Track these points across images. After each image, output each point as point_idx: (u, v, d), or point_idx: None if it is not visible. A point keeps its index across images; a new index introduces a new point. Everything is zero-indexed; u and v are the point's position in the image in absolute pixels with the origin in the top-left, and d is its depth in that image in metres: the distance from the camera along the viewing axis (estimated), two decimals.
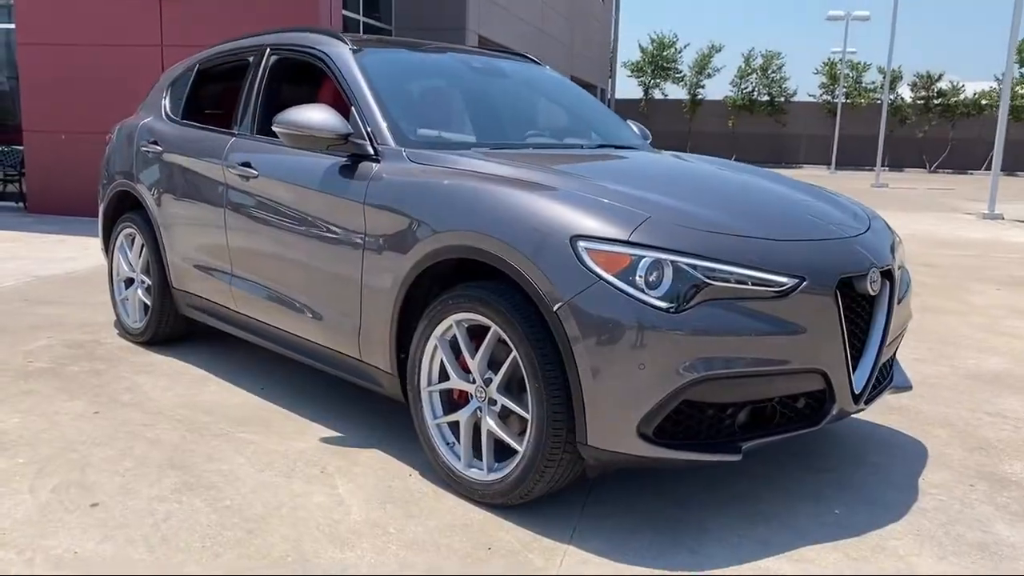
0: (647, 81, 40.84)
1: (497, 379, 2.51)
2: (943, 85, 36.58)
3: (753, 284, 2.30)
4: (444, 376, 2.71)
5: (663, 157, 3.43)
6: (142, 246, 4.28)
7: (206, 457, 2.94)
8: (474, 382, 2.60)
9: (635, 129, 3.99)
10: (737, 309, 2.28)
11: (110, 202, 4.50)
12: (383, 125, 3.02)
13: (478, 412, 2.60)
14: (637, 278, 2.24)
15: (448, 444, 2.70)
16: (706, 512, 2.61)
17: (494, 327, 2.47)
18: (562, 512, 2.58)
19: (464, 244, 2.55)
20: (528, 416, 2.42)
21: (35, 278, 5.99)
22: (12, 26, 10.04)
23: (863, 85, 38.27)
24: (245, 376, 3.86)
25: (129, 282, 4.47)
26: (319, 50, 3.40)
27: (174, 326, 4.25)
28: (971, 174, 34.66)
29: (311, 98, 3.71)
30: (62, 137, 9.80)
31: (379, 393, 3.04)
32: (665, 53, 40.38)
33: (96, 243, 8.18)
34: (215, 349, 4.28)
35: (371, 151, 2.98)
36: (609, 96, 33.61)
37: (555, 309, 2.28)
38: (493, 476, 2.53)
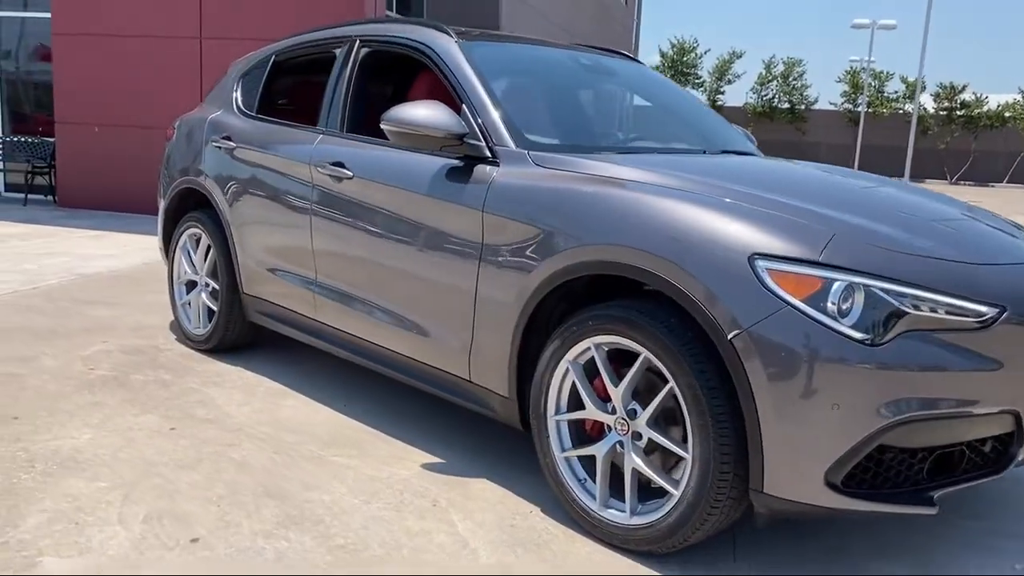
0: None
1: (647, 412, 2.24)
2: (967, 96, 36.21)
3: (954, 314, 2.03)
4: (576, 404, 2.45)
5: (803, 165, 3.16)
6: (208, 247, 4.03)
7: (303, 484, 2.68)
8: (614, 413, 2.33)
9: (742, 132, 3.73)
10: (937, 342, 2.01)
11: (172, 200, 4.25)
12: (500, 125, 2.76)
13: (618, 447, 2.34)
14: (829, 304, 1.98)
15: (579, 480, 2.44)
16: (871, 561, 2.34)
17: (645, 353, 2.21)
18: (712, 559, 2.31)
19: (611, 260, 2.28)
20: (687, 455, 2.15)
21: (78, 276, 5.75)
22: (45, 15, 9.82)
23: (885, 95, 37.93)
24: (323, 390, 3.61)
25: (191, 285, 4.22)
26: (421, 43, 3.14)
27: (241, 333, 4.00)
28: (992, 187, 34.29)
29: (406, 94, 3.46)
30: (95, 130, 9.58)
31: (484, 415, 2.79)
32: (685, 58, 40.13)
33: (135, 240, 8.02)
34: (284, 358, 4.03)
35: (487, 153, 2.73)
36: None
37: (730, 338, 2.02)
38: (639, 520, 2.27)
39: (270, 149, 3.60)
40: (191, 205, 4.22)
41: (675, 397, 2.18)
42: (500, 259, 2.58)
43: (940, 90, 36.51)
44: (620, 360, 2.35)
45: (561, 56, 3.47)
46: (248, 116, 3.90)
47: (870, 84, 36.95)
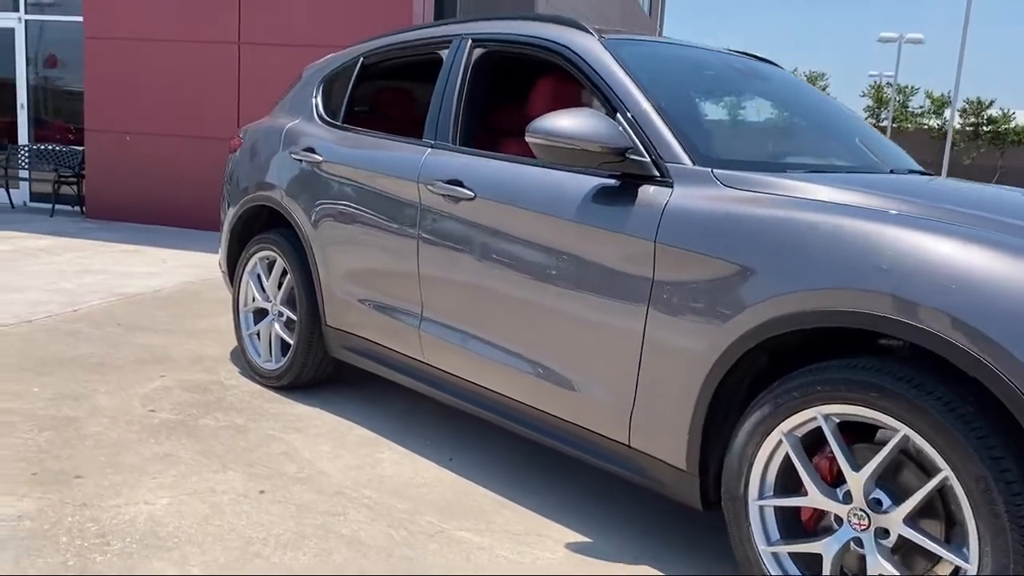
0: None
1: (905, 505, 1.77)
2: (993, 112, 35.68)
3: None
4: (788, 486, 1.98)
5: (1000, 188, 2.68)
6: (284, 272, 3.58)
7: (432, 571, 2.21)
8: (848, 501, 1.86)
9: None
10: None
11: (239, 219, 3.81)
12: (671, 138, 2.30)
13: (854, 545, 1.86)
14: None
15: None
16: None
17: (905, 431, 1.74)
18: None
19: (854, 309, 1.80)
20: (967, 565, 1.68)
21: (120, 297, 5.31)
22: (77, 19, 9.45)
23: (910, 110, 37.44)
24: (420, 438, 3.14)
25: (261, 314, 3.77)
26: (554, 42, 2.69)
27: (319, 370, 3.54)
28: None
29: (528, 101, 3.01)
30: (127, 138, 9.18)
31: (642, 486, 2.32)
32: None
33: (172, 256, 7.54)
34: (366, 397, 3.57)
35: (654, 171, 2.27)
36: None
37: None
38: None
39: (365, 164, 3.14)
40: (263, 224, 3.78)
41: (941, 488, 1.71)
42: (680, 301, 2.12)
43: (967, 105, 35.98)
44: (851, 433, 1.88)
45: (711, 58, 3.01)
46: (333, 126, 3.45)
47: (894, 99, 36.47)
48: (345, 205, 3.21)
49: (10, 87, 10.27)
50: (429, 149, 2.93)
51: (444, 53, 3.08)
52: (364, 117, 3.58)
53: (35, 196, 10.37)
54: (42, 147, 9.96)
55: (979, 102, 35.71)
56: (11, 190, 10.11)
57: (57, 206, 9.67)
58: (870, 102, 37.91)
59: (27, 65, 10.18)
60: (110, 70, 9.12)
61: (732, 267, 2.02)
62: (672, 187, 2.22)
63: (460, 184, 2.72)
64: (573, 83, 3.04)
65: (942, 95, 35.56)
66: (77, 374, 3.69)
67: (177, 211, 9.03)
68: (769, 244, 1.98)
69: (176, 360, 4.01)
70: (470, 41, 3.00)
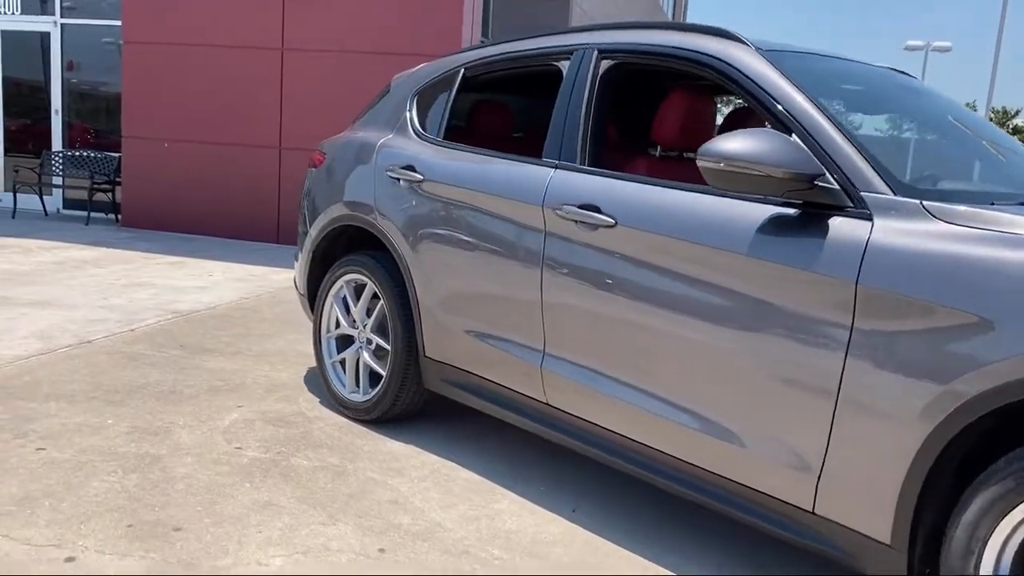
0: None
1: None
2: (1019, 121, 35.25)
3: None
4: None
5: None
6: (374, 297, 3.33)
7: None
8: None
9: None
10: None
11: (323, 239, 3.56)
12: (862, 164, 2.04)
13: None
14: None
15: None
16: None
17: None
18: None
19: None
20: None
21: (175, 315, 5.08)
22: (115, 23, 9.27)
23: None
24: (536, 484, 2.89)
25: (346, 341, 3.52)
26: (707, 55, 2.42)
27: (412, 403, 3.29)
28: None
29: (662, 116, 2.75)
30: (165, 145, 8.98)
31: (817, 552, 2.05)
32: None
33: (218, 269, 7.24)
34: (459, 432, 3.32)
35: (847, 201, 2.01)
36: None
37: None
38: None
39: (475, 184, 2.89)
40: (350, 245, 3.54)
41: None
42: (889, 354, 1.85)
43: (992, 115, 35.52)
44: None
45: (871, 73, 2.74)
46: (433, 142, 3.20)
47: None
48: (451, 228, 2.96)
49: (45, 92, 10.10)
50: (553, 170, 2.67)
51: (565, 65, 2.83)
52: (465, 133, 3.34)
53: (68, 203, 10.19)
54: (76, 153, 9.79)
55: (1005, 112, 35.30)
56: (44, 197, 9.93)
57: (92, 214, 9.48)
58: None
59: (63, 69, 10.00)
60: (148, 75, 8.92)
61: (962, 317, 1.76)
62: (871, 220, 1.96)
63: (597, 210, 2.46)
64: (708, 98, 2.78)
65: (968, 104, 35.14)
66: (150, 404, 3.45)
67: (217, 221, 8.82)
68: (1013, 293, 1.71)
69: (250, 388, 3.76)
70: (596, 52, 2.74)
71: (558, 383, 2.61)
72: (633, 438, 2.43)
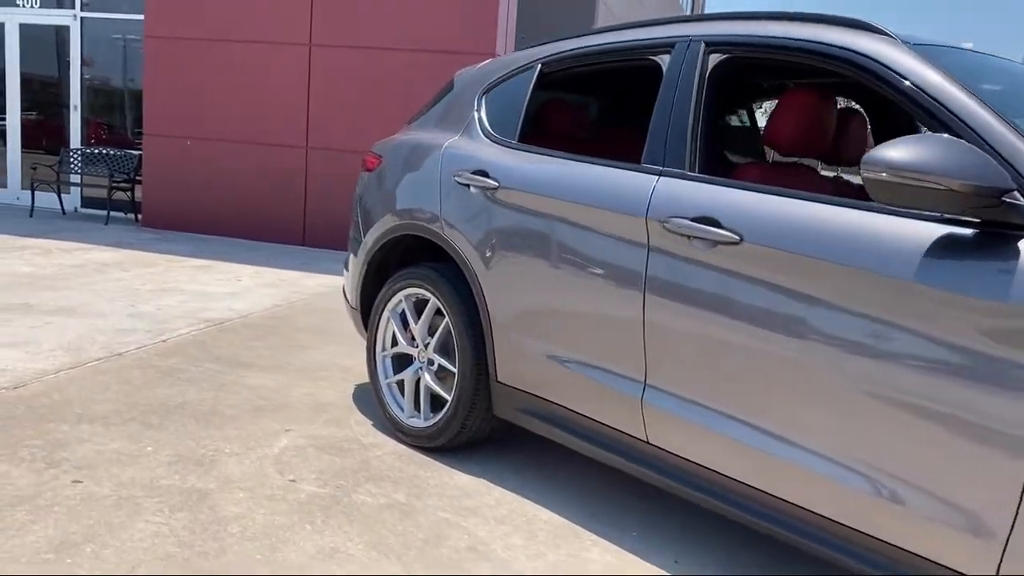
0: None
1: None
2: None
3: None
4: None
5: None
6: (437, 313, 3.05)
7: None
8: None
9: None
10: None
11: (380, 249, 3.28)
12: None
13: None
14: None
15: None
16: None
17: None
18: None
19: None
20: None
21: (207, 323, 4.80)
22: (137, 17, 9.01)
23: None
24: (624, 528, 2.59)
25: (403, 360, 3.23)
26: (846, 49, 2.12)
27: (479, 431, 3.00)
28: None
29: (778, 117, 2.44)
30: (187, 143, 8.72)
31: None
32: None
33: (246, 272, 6.84)
34: (530, 463, 3.03)
35: None
36: None
37: None
38: None
39: (563, 193, 2.59)
40: (407, 256, 3.25)
41: None
42: None
43: None
44: None
45: (1017, 69, 2.44)
46: (508, 145, 2.90)
47: None
48: (532, 241, 2.66)
49: (63, 87, 9.85)
50: (657, 177, 2.38)
51: (664, 60, 2.53)
52: (543, 135, 3.05)
53: (86, 202, 9.94)
54: (95, 151, 9.53)
55: None
56: (62, 195, 9.68)
57: (113, 213, 9.22)
58: None
59: (81, 64, 9.75)
60: (171, 71, 8.66)
61: None
62: None
63: (716, 224, 2.16)
64: (831, 98, 2.48)
65: None
66: (191, 427, 3.17)
67: (241, 222, 8.55)
68: None
69: (296, 408, 3.48)
70: (703, 45, 2.44)
71: (662, 419, 2.32)
72: (754, 485, 2.13)
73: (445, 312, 2.97)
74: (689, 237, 2.22)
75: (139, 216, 9.28)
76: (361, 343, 4.62)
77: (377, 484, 2.79)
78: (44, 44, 9.97)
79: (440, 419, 3.00)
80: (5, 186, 10.24)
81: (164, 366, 3.91)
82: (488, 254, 2.80)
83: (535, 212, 2.67)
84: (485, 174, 2.85)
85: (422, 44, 7.93)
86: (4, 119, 10.12)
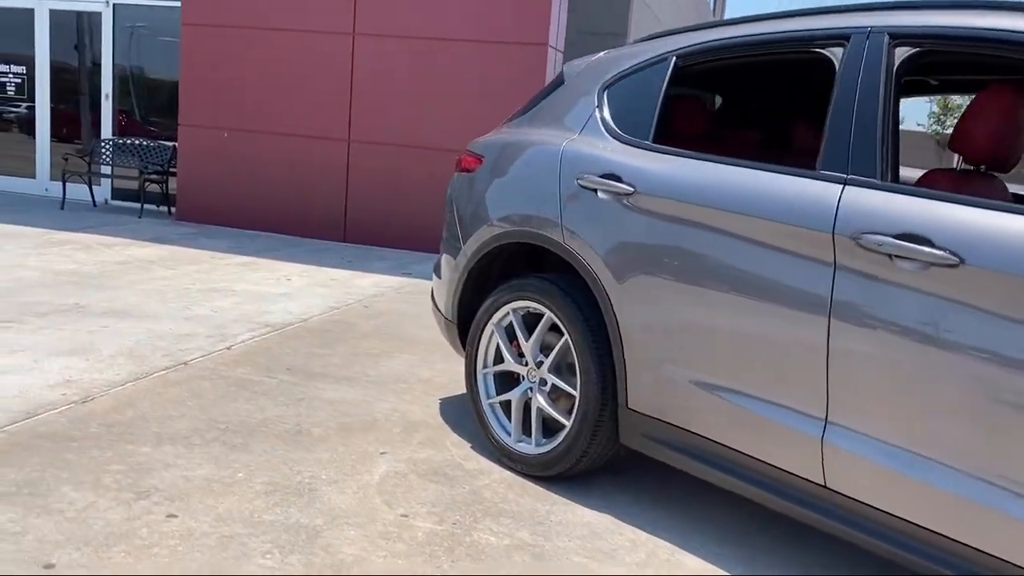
0: None
1: None
2: None
3: None
4: None
5: None
6: (551, 329, 2.78)
7: None
8: None
9: None
10: None
11: (483, 257, 3.01)
12: None
13: None
14: None
15: None
16: None
17: None
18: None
19: None
20: None
21: (268, 328, 4.55)
22: (174, 3, 8.73)
23: None
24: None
25: (507, 379, 2.97)
26: None
27: (600, 459, 2.74)
28: None
29: (989, 122, 2.16)
30: (224, 135, 8.45)
31: None
32: None
33: (295, 271, 6.44)
34: (657, 492, 2.76)
35: None
36: None
37: None
38: None
39: (720, 201, 2.31)
40: (515, 265, 2.99)
41: None
42: None
43: None
44: None
45: None
46: (642, 146, 2.62)
47: (960, 105, 35.06)
48: (678, 254, 2.39)
49: (95, 75, 9.60)
50: (842, 186, 2.10)
51: (837, 53, 2.25)
52: (680, 135, 2.77)
53: (116, 193, 9.70)
54: (128, 141, 9.27)
55: None
56: (93, 187, 9.45)
57: (147, 206, 8.97)
58: (935, 108, 36.54)
59: (114, 52, 9.49)
60: (208, 60, 8.39)
61: None
62: None
63: (927, 242, 1.88)
64: None
65: None
66: (279, 449, 2.91)
67: (279, 217, 8.30)
68: None
69: (384, 427, 3.22)
70: (887, 37, 2.16)
71: (848, 462, 2.04)
72: (960, 540, 1.86)
73: (564, 329, 2.70)
74: (891, 257, 1.94)
75: (172, 209, 9.04)
76: (434, 351, 4.37)
77: (496, 520, 2.53)
78: (75, 31, 9.72)
79: (556, 446, 2.73)
80: (34, 176, 10.01)
81: (234, 377, 3.66)
82: (621, 267, 2.52)
83: (682, 221, 2.39)
84: (617, 178, 2.57)
85: (471, 34, 7.65)
86: (32, 106, 9.87)
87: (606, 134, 2.74)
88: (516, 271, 3.11)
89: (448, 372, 4.02)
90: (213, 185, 8.54)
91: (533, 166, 2.88)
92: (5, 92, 9.96)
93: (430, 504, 2.60)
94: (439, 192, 7.89)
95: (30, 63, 9.79)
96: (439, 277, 3.33)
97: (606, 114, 2.78)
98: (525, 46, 7.53)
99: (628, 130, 2.69)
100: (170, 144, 9.08)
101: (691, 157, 2.47)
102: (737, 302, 2.24)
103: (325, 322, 4.81)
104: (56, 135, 9.96)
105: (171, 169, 9.02)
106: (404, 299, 5.64)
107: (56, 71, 9.81)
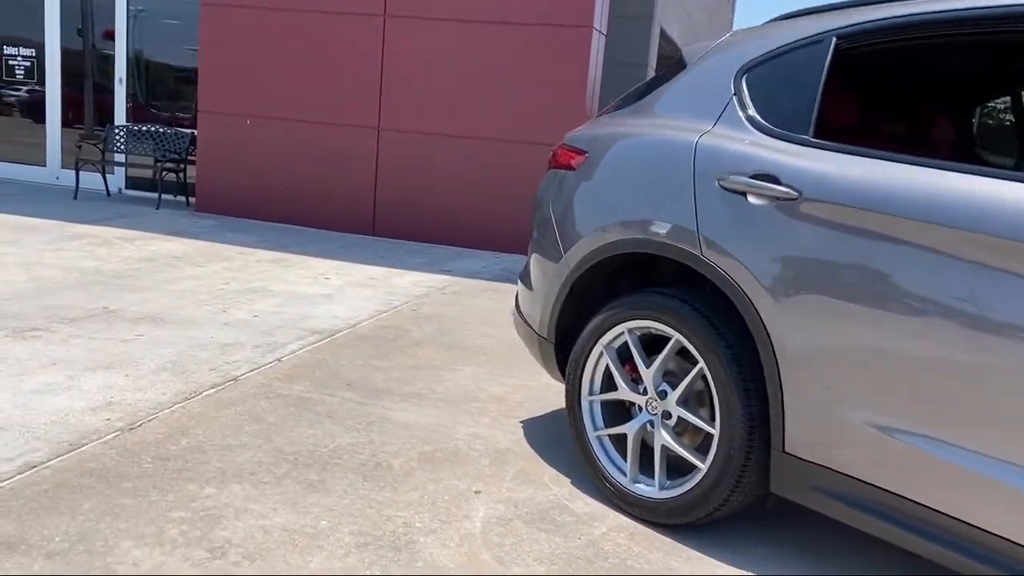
0: None
1: None
2: None
3: None
4: None
5: None
6: (679, 354, 2.41)
7: None
8: None
9: None
10: None
11: (592, 268, 2.62)
12: None
13: None
14: None
15: None
16: None
17: None
18: None
19: None
20: None
21: (316, 336, 4.17)
22: None
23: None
24: None
25: (617, 408, 2.60)
26: None
27: (738, 506, 2.37)
28: None
29: None
30: (247, 122, 8.05)
31: None
32: None
33: (331, 269, 6.06)
34: (810, 551, 2.39)
35: None
36: None
37: None
38: None
39: (917, 211, 1.93)
40: (628, 279, 2.61)
41: None
42: None
43: None
44: None
45: None
46: (802, 142, 2.23)
47: None
48: (859, 271, 2.00)
49: (108, 59, 9.17)
50: None
51: None
52: (847, 129, 2.38)
53: (130, 182, 9.31)
54: (143, 128, 8.86)
55: None
56: (107, 175, 9.05)
57: (164, 196, 8.57)
58: None
59: (127, 34, 9.06)
60: (229, 43, 7.97)
61: None
62: None
63: None
64: None
65: None
66: (359, 487, 2.54)
67: (304, 209, 7.91)
68: None
69: (470, 458, 2.85)
70: None
71: None
72: None
73: (698, 356, 2.33)
74: None
75: (190, 200, 8.65)
76: (497, 362, 4.00)
77: None
78: (86, 13, 9.28)
79: (688, 491, 2.36)
80: (44, 164, 9.60)
81: (292, 395, 3.29)
82: (781, 285, 2.14)
83: (865, 233, 2.00)
84: (774, 179, 2.18)
85: (510, 15, 7.23)
86: (40, 90, 9.44)
87: (749, 127, 2.34)
88: (617, 285, 2.74)
89: (520, 388, 3.65)
90: (234, 175, 8.15)
91: (657, 164, 2.49)
92: (14, 76, 9.54)
93: (547, 560, 2.23)
94: (477, 184, 7.49)
95: (40, 47, 9.36)
96: (529, 288, 2.95)
97: (747, 103, 2.39)
98: (569, 28, 7.12)
99: (779, 123, 2.30)
100: (187, 131, 8.69)
101: (870, 156, 2.08)
102: (953, 336, 1.86)
103: (375, 328, 4.43)
104: (66, 121, 9.54)
105: (189, 157, 8.62)
106: (450, 301, 5.27)
107: (67, 55, 9.38)
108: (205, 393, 3.22)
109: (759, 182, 2.21)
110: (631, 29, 13.15)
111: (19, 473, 2.42)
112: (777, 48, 2.40)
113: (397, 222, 7.72)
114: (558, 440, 3.07)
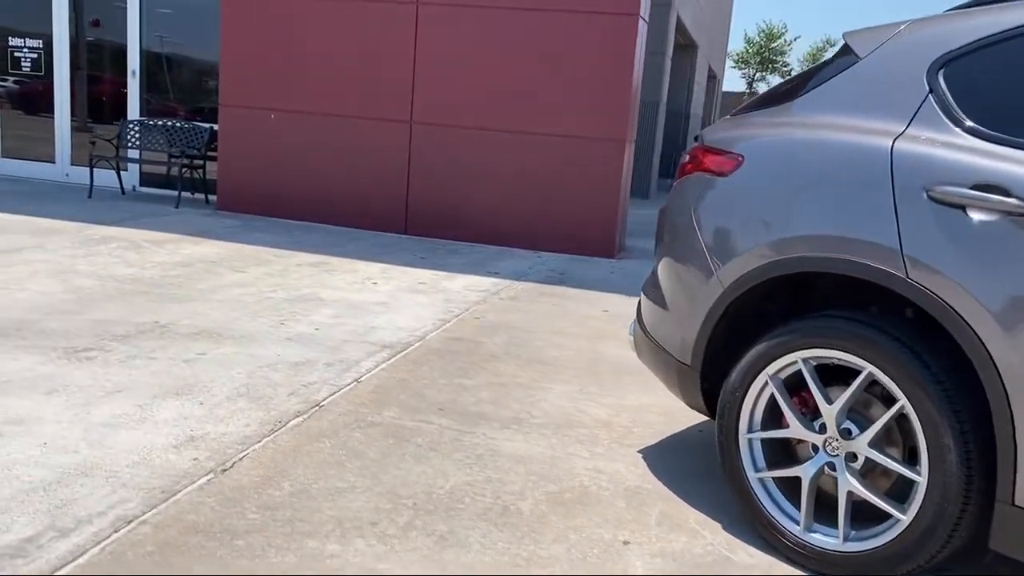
0: (751, 73, 38.40)
1: None
2: None
3: None
4: None
5: None
6: (868, 389, 2.11)
7: None
8: None
9: None
10: None
11: (750, 290, 2.32)
12: None
13: None
14: None
15: None
16: None
17: None
18: None
19: None
20: None
21: (386, 350, 3.85)
22: None
23: None
24: None
25: (780, 447, 2.31)
26: None
27: (940, 564, 2.08)
28: None
29: None
30: (271, 117, 7.69)
31: None
32: (773, 44, 37.85)
33: (378, 273, 5.65)
34: None
35: None
36: (720, 88, 31.16)
37: None
38: None
39: None
40: (759, 299, 2.32)
41: None
42: None
43: None
44: None
45: None
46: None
47: None
48: None
49: (120, 51, 8.77)
50: None
51: None
52: None
53: (144, 179, 8.93)
54: (159, 123, 8.49)
55: None
56: (121, 172, 8.67)
57: (184, 194, 8.20)
58: None
59: (140, 26, 8.66)
60: (251, 33, 7.60)
61: None
62: None
63: None
64: None
65: None
66: (497, 539, 2.24)
67: (332, 208, 7.57)
68: None
69: (602, 498, 2.55)
70: None
71: None
72: None
73: (898, 392, 2.03)
74: None
75: (209, 197, 8.29)
76: (584, 378, 3.70)
77: None
78: (97, 2, 8.87)
79: (884, 544, 2.07)
80: (53, 161, 9.20)
81: (384, 423, 2.97)
82: (1012, 311, 1.85)
83: None
84: (1004, 191, 1.88)
85: (550, 2, 6.89)
86: (48, 83, 9.03)
87: (957, 130, 2.04)
88: (765, 307, 2.44)
89: (622, 410, 3.35)
90: (258, 172, 7.79)
91: (841, 172, 2.18)
92: (20, 68, 9.12)
93: None
94: (516, 181, 7.15)
95: (47, 38, 8.95)
96: (664, 308, 2.64)
97: (950, 102, 2.09)
98: (614, 16, 6.79)
99: (996, 126, 2.00)
100: (206, 126, 8.32)
101: None
102: None
103: (444, 340, 4.12)
104: (76, 116, 9.14)
105: (209, 153, 8.26)
106: (509, 307, 4.96)
107: (76, 46, 8.97)
108: (291, 423, 2.90)
109: (984, 194, 1.91)
110: (652, 17, 12.89)
111: (115, 531, 2.10)
112: (986, 37, 2.09)
113: (431, 220, 7.39)
114: (687, 474, 2.78)
